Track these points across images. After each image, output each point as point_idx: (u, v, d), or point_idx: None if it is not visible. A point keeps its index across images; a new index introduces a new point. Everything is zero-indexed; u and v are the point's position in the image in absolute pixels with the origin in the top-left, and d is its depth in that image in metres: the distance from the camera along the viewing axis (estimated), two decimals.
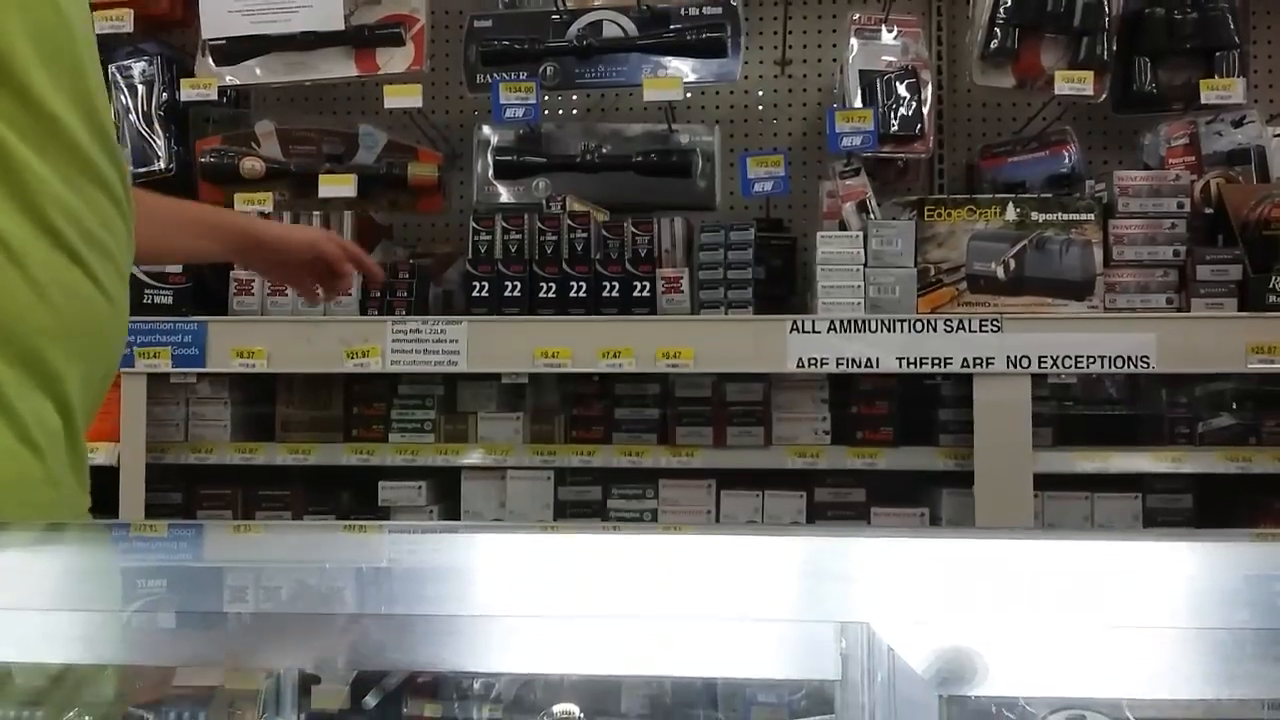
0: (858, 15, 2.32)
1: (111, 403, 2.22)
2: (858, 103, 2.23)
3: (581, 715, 0.86)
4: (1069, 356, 2.01)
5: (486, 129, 2.45)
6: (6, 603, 0.76)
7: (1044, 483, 2.06)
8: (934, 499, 2.18)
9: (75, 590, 0.88)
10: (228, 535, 1.20)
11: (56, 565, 0.96)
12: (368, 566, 0.96)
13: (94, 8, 2.32)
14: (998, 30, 2.24)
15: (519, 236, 2.17)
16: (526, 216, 2.19)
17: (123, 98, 2.39)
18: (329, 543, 1.08)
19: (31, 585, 0.85)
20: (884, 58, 2.29)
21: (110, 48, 2.43)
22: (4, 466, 1.02)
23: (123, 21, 2.32)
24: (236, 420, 2.31)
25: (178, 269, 2.25)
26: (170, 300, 2.23)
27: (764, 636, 0.71)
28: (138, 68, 2.40)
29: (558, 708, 0.86)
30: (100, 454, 2.19)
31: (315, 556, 0.98)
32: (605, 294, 2.13)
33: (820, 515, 2.19)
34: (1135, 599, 0.76)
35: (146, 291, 2.22)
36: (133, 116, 2.38)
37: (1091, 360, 2.01)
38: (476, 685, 0.97)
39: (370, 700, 1.03)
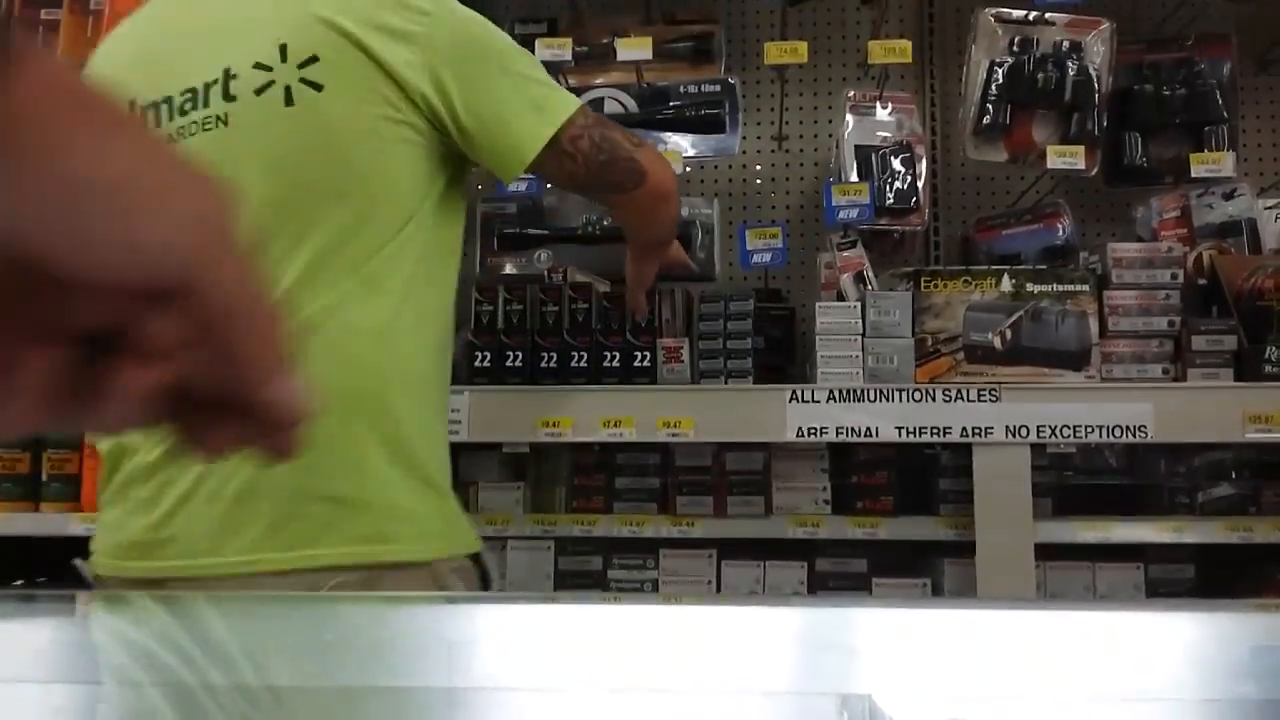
0: (853, 92, 2.36)
1: None
2: (854, 177, 2.27)
3: None
4: (1067, 426, 2.01)
5: (485, 204, 2.48)
6: (3, 674, 0.75)
7: (1045, 552, 2.05)
8: (936, 569, 2.17)
9: (72, 662, 0.88)
10: (227, 606, 1.20)
11: (53, 636, 0.96)
12: (365, 639, 0.96)
13: None
14: (990, 106, 2.29)
15: (520, 307, 2.19)
16: (529, 288, 2.21)
17: None
18: (325, 615, 1.07)
19: (28, 656, 0.84)
20: (879, 133, 2.33)
21: None
22: (406, 499, 1.26)
23: None
24: None
25: None
26: None
27: (765, 710, 0.70)
28: None
29: None
30: None
31: (314, 623, 0.98)
32: (606, 364, 2.15)
33: (821, 585, 2.18)
34: (1140, 670, 0.76)
35: None
36: None
37: (1090, 430, 2.01)
38: None
39: None
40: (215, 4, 1.36)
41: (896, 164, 2.28)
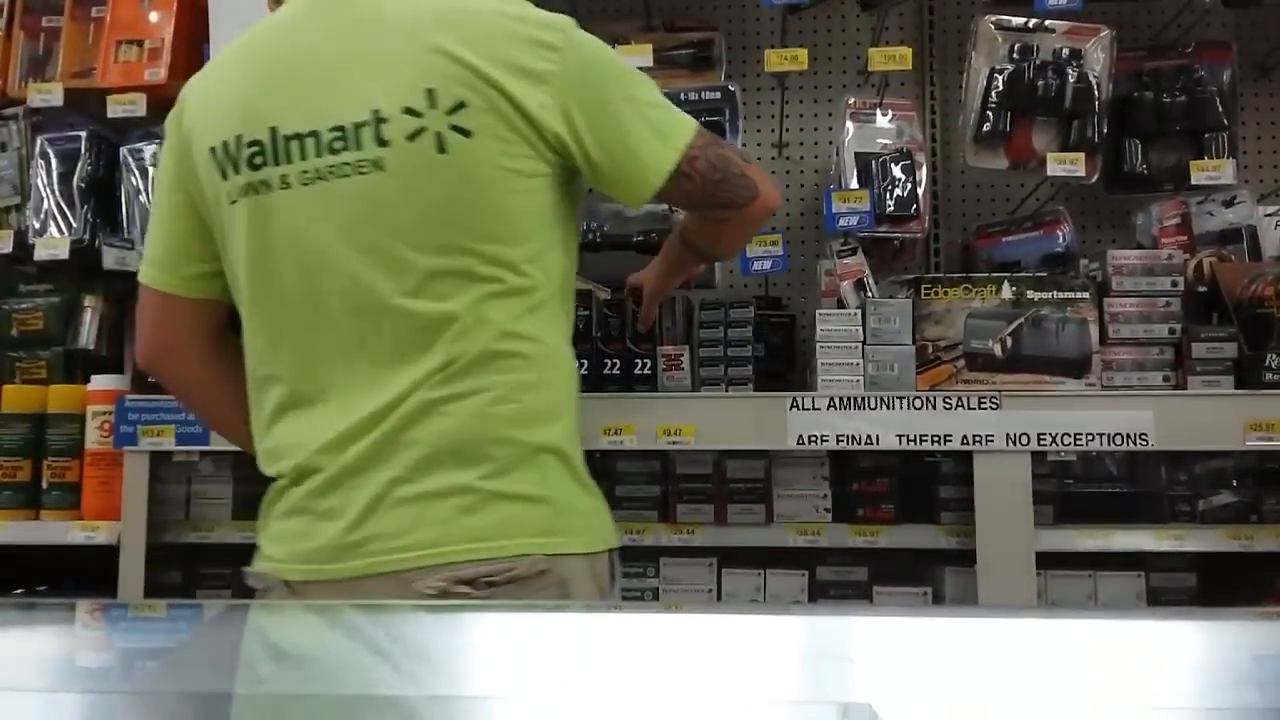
0: (853, 99, 2.37)
1: (113, 481, 2.21)
2: (854, 184, 2.27)
3: None
4: (1068, 434, 2.01)
5: None
6: (1, 683, 0.75)
7: (1046, 561, 2.05)
8: (936, 577, 2.17)
9: (72, 671, 0.88)
10: (226, 615, 1.19)
11: (54, 646, 0.96)
12: (368, 647, 0.95)
13: (106, 92, 2.39)
14: (990, 113, 2.29)
15: None
16: None
17: (134, 179, 2.43)
18: (327, 623, 1.07)
19: (28, 665, 0.84)
20: (879, 140, 2.33)
21: (123, 131, 2.48)
22: (572, 498, 1.38)
23: (135, 106, 2.37)
24: (238, 498, 2.30)
25: None
26: None
27: (766, 718, 0.70)
28: (149, 150, 2.44)
29: None
30: (101, 533, 2.19)
31: (315, 636, 0.97)
32: (607, 371, 2.15)
33: (822, 594, 2.18)
34: (1141, 679, 0.76)
35: None
36: (143, 197, 2.42)
37: (1090, 437, 2.01)
38: None
39: None
40: (351, 35, 1.35)
41: (897, 171, 2.28)
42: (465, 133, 1.30)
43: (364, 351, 1.33)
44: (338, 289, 1.33)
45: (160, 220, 1.49)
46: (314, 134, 1.32)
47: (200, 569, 2.33)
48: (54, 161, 2.44)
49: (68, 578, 2.27)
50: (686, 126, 1.43)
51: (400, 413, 1.31)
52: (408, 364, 1.31)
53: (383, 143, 1.30)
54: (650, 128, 1.40)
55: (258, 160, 1.34)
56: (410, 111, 1.30)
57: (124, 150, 2.45)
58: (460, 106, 1.30)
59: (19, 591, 2.18)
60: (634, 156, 1.39)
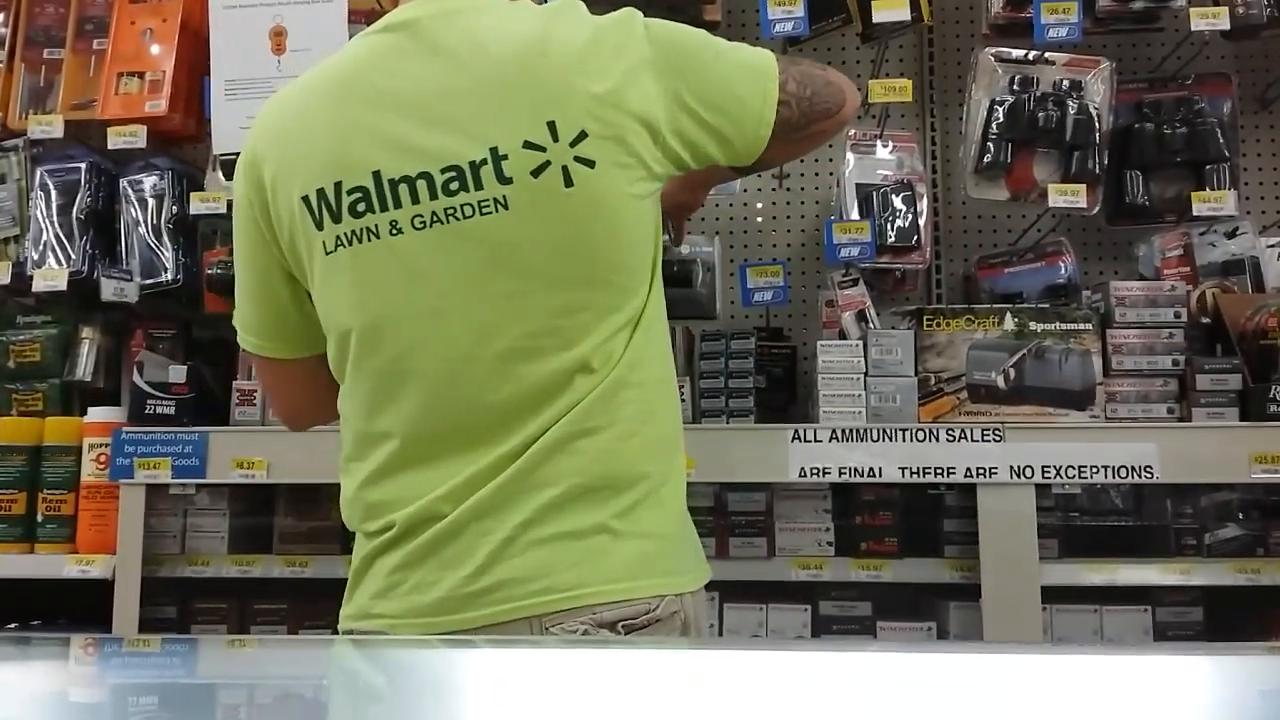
0: (853, 131, 2.37)
1: (109, 514, 2.20)
2: (855, 215, 2.26)
3: None
4: (1072, 466, 2.00)
5: None
6: None
7: (1052, 595, 2.03)
8: (941, 612, 2.14)
9: (66, 707, 0.86)
10: (221, 651, 1.18)
11: (47, 681, 0.94)
12: (365, 682, 0.94)
13: (106, 124, 2.40)
14: (990, 145, 2.29)
15: None
16: None
17: (133, 210, 2.43)
18: (324, 659, 1.06)
19: (21, 700, 0.83)
20: (880, 171, 2.33)
21: (123, 162, 2.49)
22: (684, 533, 1.38)
23: (135, 137, 2.38)
24: (234, 532, 2.28)
25: (180, 380, 2.25)
26: (172, 411, 2.23)
27: None
28: (149, 182, 2.45)
29: None
30: (96, 566, 2.17)
31: (311, 672, 0.96)
32: None
33: (825, 629, 2.15)
34: (1150, 716, 0.74)
35: (149, 402, 2.23)
36: (142, 229, 2.42)
37: (1095, 470, 2.00)
38: None
39: None
40: (452, 71, 1.29)
41: (898, 202, 2.28)
42: (589, 163, 1.26)
43: (489, 398, 1.28)
44: (463, 335, 1.28)
45: (250, 286, 1.43)
46: (425, 176, 1.27)
47: (196, 603, 2.31)
48: (53, 193, 2.44)
49: (62, 612, 2.25)
50: (767, 55, 1.40)
51: (530, 454, 1.27)
52: (536, 407, 1.28)
53: (505, 180, 1.25)
54: (742, 69, 1.37)
55: (360, 207, 1.28)
56: (532, 146, 1.25)
57: (123, 182, 2.46)
58: (582, 137, 1.26)
59: (13, 626, 2.16)
60: (743, 103, 1.35)
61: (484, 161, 1.26)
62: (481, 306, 1.27)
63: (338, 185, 1.29)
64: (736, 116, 1.35)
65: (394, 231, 1.28)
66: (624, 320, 1.31)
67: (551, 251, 1.27)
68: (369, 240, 1.28)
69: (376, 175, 1.28)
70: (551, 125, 1.25)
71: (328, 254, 1.31)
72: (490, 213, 1.26)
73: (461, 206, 1.26)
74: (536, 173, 1.25)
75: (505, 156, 1.25)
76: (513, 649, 1.10)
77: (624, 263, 1.32)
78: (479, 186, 1.26)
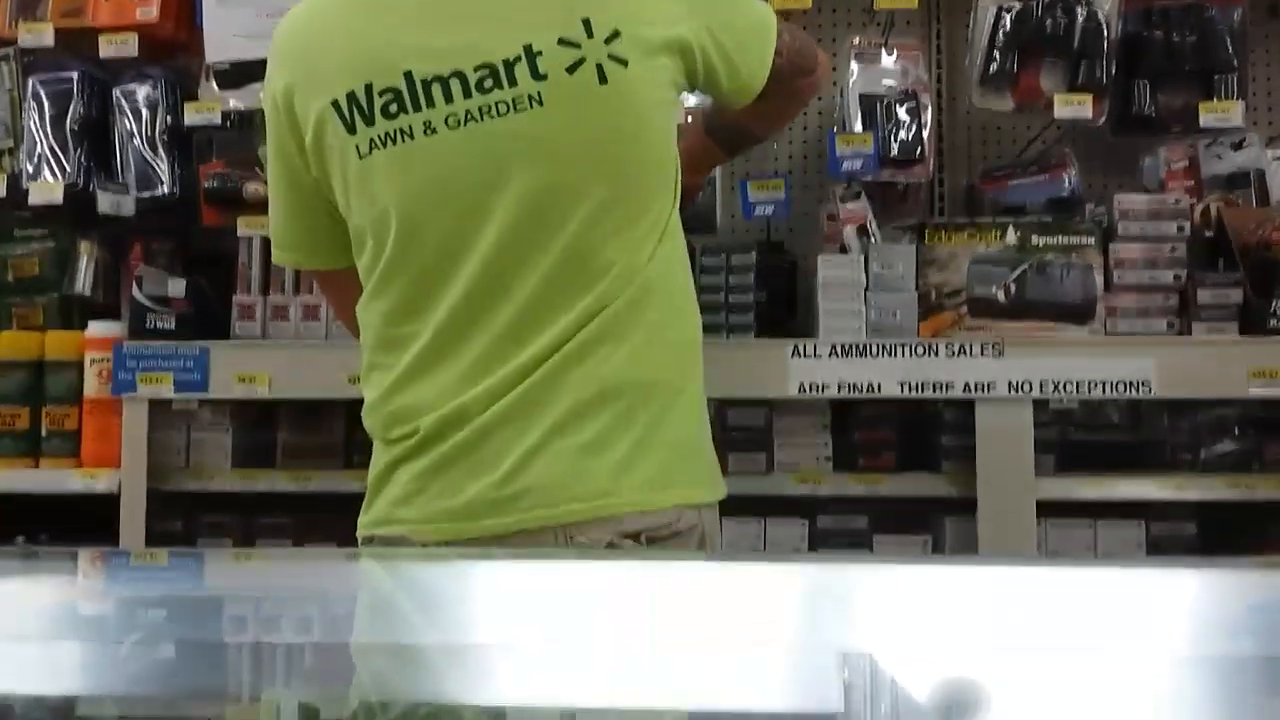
0: (857, 39, 2.32)
1: (112, 428, 2.21)
2: (858, 127, 2.23)
3: None
4: (1070, 382, 2.00)
5: None
6: (4, 633, 0.75)
7: (1047, 509, 2.05)
8: (937, 526, 2.17)
9: (74, 620, 0.88)
10: (228, 564, 1.20)
11: (56, 595, 0.96)
12: (368, 596, 0.96)
13: (97, 32, 2.35)
14: (997, 54, 2.25)
15: None
16: None
17: (127, 121, 2.40)
18: (330, 572, 1.07)
19: (30, 614, 0.84)
20: (884, 81, 2.29)
21: (114, 71, 2.45)
22: (707, 446, 1.40)
23: (126, 45, 2.33)
24: (237, 447, 2.30)
25: (180, 294, 2.25)
26: (172, 325, 2.23)
27: (765, 667, 0.70)
28: (142, 91, 2.40)
29: None
30: (101, 481, 2.19)
31: (316, 586, 0.98)
32: None
33: (822, 543, 2.18)
34: (1140, 628, 0.76)
35: (149, 316, 2.22)
36: (137, 140, 2.39)
37: (1093, 385, 2.00)
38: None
39: None
40: None
41: (902, 113, 2.24)
42: (623, 62, 1.27)
43: (516, 297, 1.29)
44: (494, 233, 1.28)
45: (283, 201, 1.44)
46: (458, 74, 1.27)
47: (201, 517, 2.34)
48: (46, 104, 2.40)
49: (68, 526, 2.27)
50: (769, 10, 1.46)
51: (557, 358, 1.28)
52: (563, 308, 1.28)
53: (539, 76, 1.26)
54: (754, 13, 1.42)
55: (393, 108, 1.28)
56: (566, 43, 1.26)
57: (117, 91, 2.41)
58: (615, 35, 1.26)
59: (20, 540, 2.19)
60: (752, 40, 1.40)
61: (518, 59, 1.26)
62: (513, 203, 1.28)
63: (368, 87, 1.28)
64: (747, 49, 1.39)
65: (428, 131, 1.28)
66: (650, 224, 1.32)
67: (586, 148, 1.28)
68: (403, 141, 1.28)
69: (409, 75, 1.27)
70: (586, 22, 1.26)
71: (361, 158, 1.30)
72: (525, 109, 1.26)
73: (496, 104, 1.26)
74: (571, 69, 1.26)
75: (540, 53, 1.26)
76: (537, 560, 1.12)
77: (653, 161, 1.33)
78: (513, 83, 1.26)
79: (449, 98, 1.27)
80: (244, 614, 0.91)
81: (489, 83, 1.26)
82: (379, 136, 1.29)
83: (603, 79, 1.26)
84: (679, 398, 1.34)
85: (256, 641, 0.81)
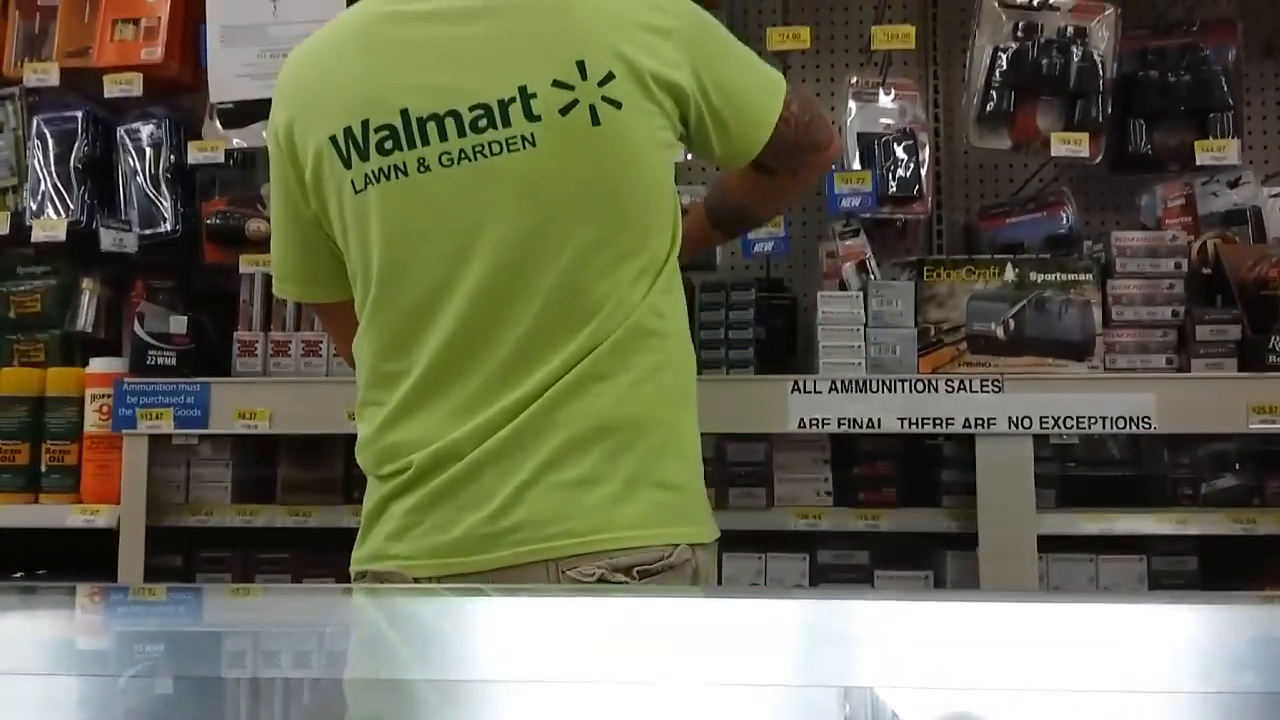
0: (855, 79, 2.35)
1: (112, 464, 2.21)
2: (856, 164, 2.25)
3: None
4: (1070, 417, 2.00)
5: None
6: (2, 667, 0.75)
7: (1048, 544, 2.04)
8: (938, 561, 2.16)
9: (72, 655, 0.88)
10: (226, 600, 1.19)
11: (54, 630, 0.95)
12: (366, 631, 0.95)
13: (102, 72, 2.38)
14: (993, 93, 2.27)
15: None
16: None
17: (130, 160, 2.42)
18: (327, 607, 1.07)
19: (28, 649, 0.84)
20: (882, 120, 2.31)
21: (119, 110, 2.47)
22: (699, 487, 1.40)
23: (131, 85, 2.36)
24: (237, 482, 2.30)
25: (181, 331, 2.25)
26: (173, 362, 2.23)
27: (768, 703, 0.70)
28: (146, 130, 2.43)
29: None
30: (100, 516, 2.18)
31: (314, 620, 0.97)
32: None
33: (823, 578, 2.17)
34: (1142, 663, 0.75)
35: (150, 353, 2.23)
36: (140, 179, 2.41)
37: (1093, 420, 2.01)
38: None
39: None
40: (482, 17, 1.32)
41: (899, 151, 2.26)
42: (616, 104, 1.28)
43: (508, 334, 1.30)
44: (484, 271, 1.29)
45: (284, 233, 1.46)
46: (453, 113, 1.29)
47: (200, 553, 2.33)
48: (50, 142, 2.42)
49: (67, 562, 2.26)
50: (779, 77, 1.47)
51: (549, 395, 1.28)
52: (555, 346, 1.29)
53: (533, 118, 1.28)
54: (757, 73, 1.44)
55: (388, 145, 1.30)
56: (560, 84, 1.28)
57: (121, 130, 2.44)
58: (610, 78, 1.28)
59: (18, 575, 2.18)
60: (750, 98, 1.41)
61: (512, 99, 1.28)
62: (506, 244, 1.29)
63: (365, 123, 1.31)
64: (741, 109, 1.40)
65: (422, 169, 1.29)
66: (644, 265, 1.33)
67: (577, 189, 1.29)
68: (397, 178, 1.30)
69: (405, 113, 1.29)
70: (580, 65, 1.27)
71: (357, 193, 1.32)
72: (518, 150, 1.28)
73: (489, 144, 1.28)
74: (564, 111, 1.27)
75: (534, 95, 1.27)
76: (534, 596, 1.12)
77: (648, 202, 1.34)
78: (507, 124, 1.28)
79: (444, 136, 1.29)
80: (242, 649, 0.90)
81: (483, 122, 1.28)
82: (373, 172, 1.31)
83: (595, 120, 1.28)
84: (672, 437, 1.34)
85: (254, 677, 0.80)
